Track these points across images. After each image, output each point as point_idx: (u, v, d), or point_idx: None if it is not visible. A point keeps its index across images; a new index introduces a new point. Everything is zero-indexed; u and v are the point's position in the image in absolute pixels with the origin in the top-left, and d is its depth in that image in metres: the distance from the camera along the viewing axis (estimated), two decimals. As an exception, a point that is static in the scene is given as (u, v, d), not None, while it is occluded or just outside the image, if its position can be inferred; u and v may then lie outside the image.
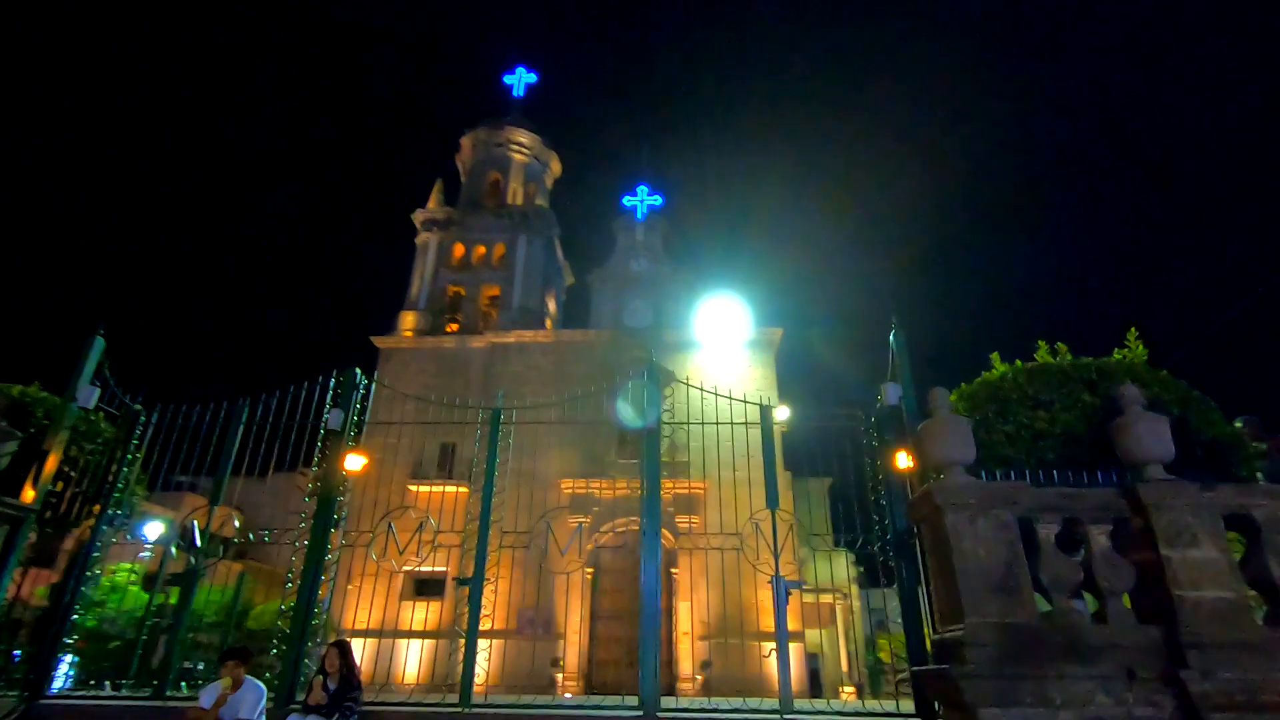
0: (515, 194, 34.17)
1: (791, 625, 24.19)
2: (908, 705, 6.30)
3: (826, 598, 30.10)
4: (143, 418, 7.68)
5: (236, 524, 7.72)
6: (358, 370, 7.87)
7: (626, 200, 33.19)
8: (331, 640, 6.18)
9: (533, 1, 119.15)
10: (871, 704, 7.19)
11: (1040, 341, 6.81)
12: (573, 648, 24.12)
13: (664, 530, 25.47)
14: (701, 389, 9.11)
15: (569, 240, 36.26)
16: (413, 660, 24.77)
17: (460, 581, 7.88)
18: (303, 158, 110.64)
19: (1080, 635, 4.96)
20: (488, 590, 25.53)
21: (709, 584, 24.38)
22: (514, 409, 8.57)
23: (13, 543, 6.15)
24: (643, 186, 33.33)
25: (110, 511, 7.18)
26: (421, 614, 25.67)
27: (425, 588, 26.24)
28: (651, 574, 7.15)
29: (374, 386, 8.11)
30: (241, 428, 7.59)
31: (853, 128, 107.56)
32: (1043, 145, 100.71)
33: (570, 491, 26.10)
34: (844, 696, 24.94)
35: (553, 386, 27.66)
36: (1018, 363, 6.63)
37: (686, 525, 24.99)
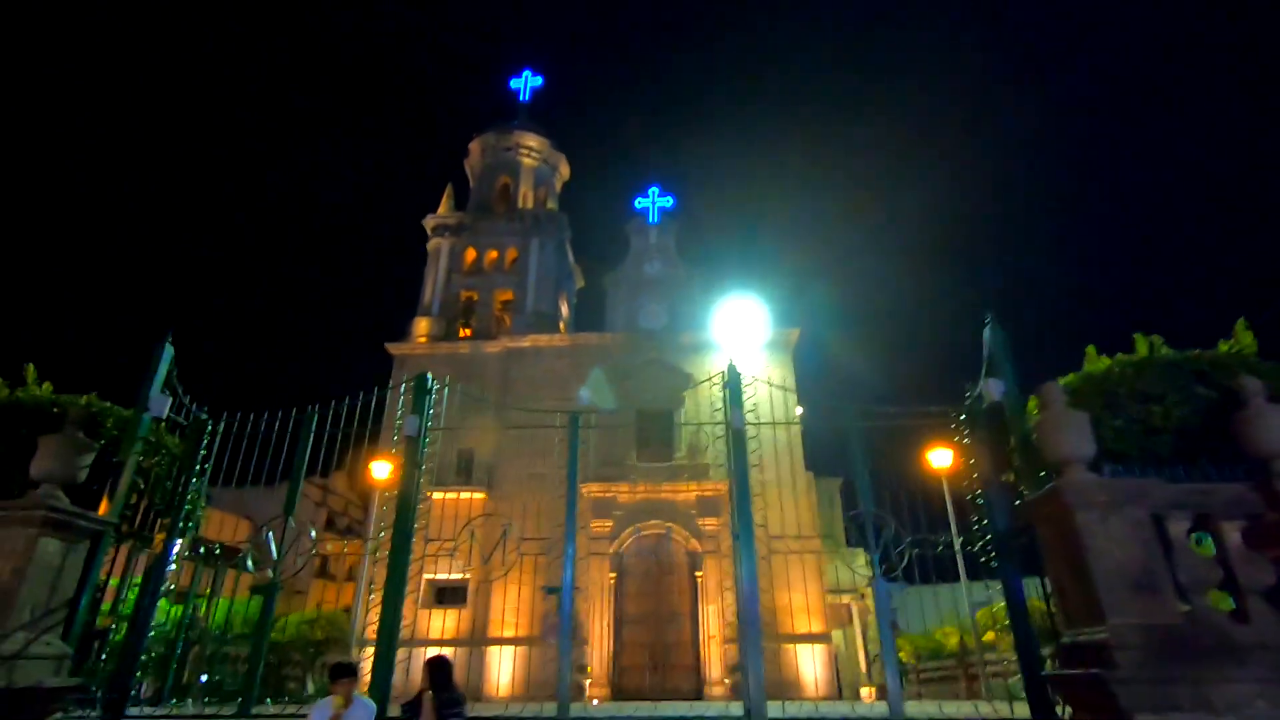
0: (526, 198, 33.98)
1: (818, 627, 24.07)
2: (1022, 709, 6.11)
3: (844, 598, 30.02)
4: (209, 426, 7.46)
5: (313, 534, 7.50)
6: (429, 375, 7.69)
7: (638, 202, 33.06)
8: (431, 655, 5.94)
9: (536, 5, 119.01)
10: (985, 708, 6.99)
11: (1137, 335, 6.63)
12: (598, 654, 23.86)
13: (686, 533, 25.17)
14: (782, 388, 8.91)
15: (577, 242, 36.08)
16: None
17: (549, 590, 7.68)
18: (306, 162, 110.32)
19: (1227, 636, 4.80)
20: (505, 598, 25.01)
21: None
22: (591, 413, 8.37)
23: (94, 559, 5.93)
24: (654, 188, 33.21)
25: (181, 525, 6.96)
26: (441, 622, 25.40)
27: (446, 595, 25.99)
28: (748, 577, 6.97)
29: (446, 391, 7.94)
30: (311, 435, 7.39)
31: (864, 125, 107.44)
32: (1059, 144, 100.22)
33: (591, 496, 25.89)
34: (865, 698, 24.74)
35: (570, 390, 27.46)
36: (1119, 355, 6.47)
37: (713, 528, 24.76)
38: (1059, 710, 5.82)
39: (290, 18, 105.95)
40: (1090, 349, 6.80)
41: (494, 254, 32.16)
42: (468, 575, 25.68)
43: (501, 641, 24.31)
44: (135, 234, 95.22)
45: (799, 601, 23.82)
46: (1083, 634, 5.04)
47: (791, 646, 23.77)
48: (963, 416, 7.16)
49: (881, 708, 7.31)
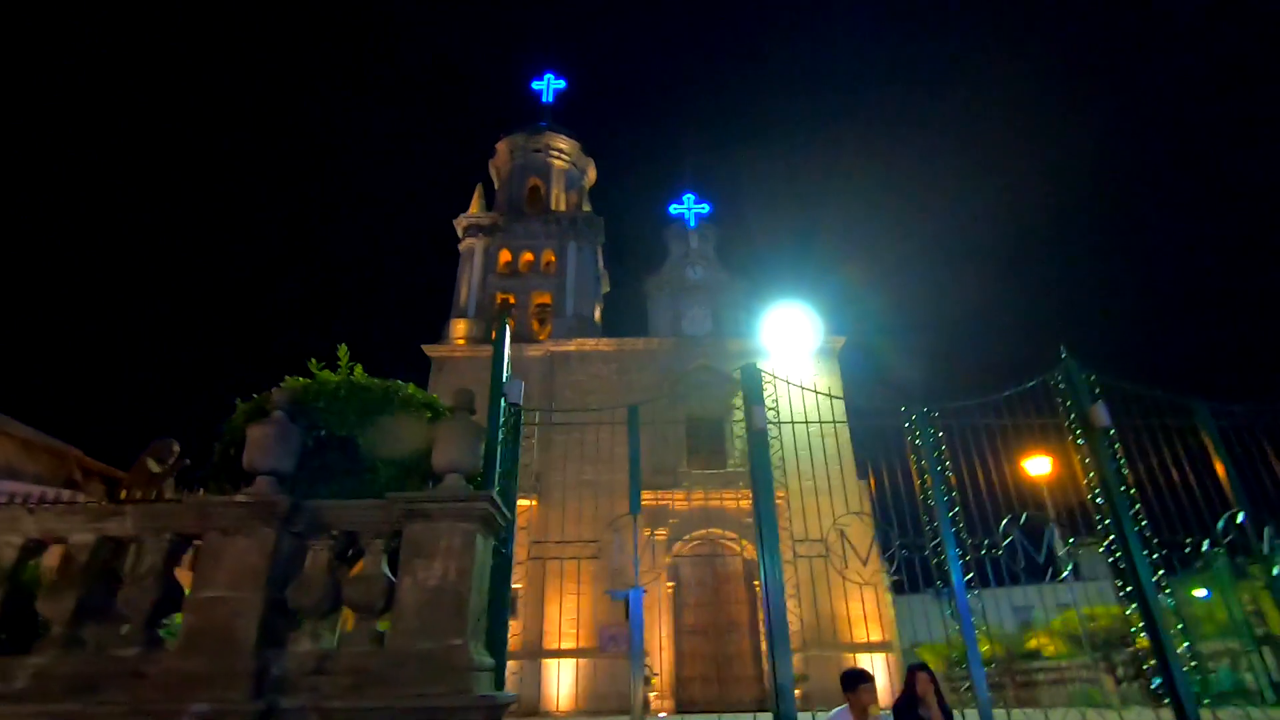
0: (558, 200, 33.41)
1: (885, 634, 24.01)
2: None
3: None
4: (521, 418, 6.85)
5: (649, 534, 6.97)
6: (756, 363, 7.25)
7: (673, 208, 32.84)
8: (916, 664, 5.52)
9: (557, 6, 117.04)
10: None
11: None
12: (658, 665, 23.30)
13: (743, 541, 24.77)
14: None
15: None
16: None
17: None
18: (320, 165, 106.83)
19: None
20: (560, 609, 24.02)
21: (799, 595, 23.90)
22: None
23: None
24: (689, 195, 33.01)
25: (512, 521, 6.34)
26: (490, 634, 24.53)
27: (492, 606, 25.10)
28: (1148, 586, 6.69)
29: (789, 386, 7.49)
30: (639, 428, 6.88)
31: (909, 128, 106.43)
32: (1118, 152, 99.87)
33: (644, 504, 25.32)
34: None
35: (618, 395, 26.91)
36: None
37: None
38: None
39: (294, 21, 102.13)
40: None
41: (529, 256, 31.46)
42: (518, 585, 24.89)
43: (558, 654, 23.59)
44: (160, 235, 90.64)
45: (861, 609, 23.69)
46: None
47: (852, 656, 23.60)
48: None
49: None
